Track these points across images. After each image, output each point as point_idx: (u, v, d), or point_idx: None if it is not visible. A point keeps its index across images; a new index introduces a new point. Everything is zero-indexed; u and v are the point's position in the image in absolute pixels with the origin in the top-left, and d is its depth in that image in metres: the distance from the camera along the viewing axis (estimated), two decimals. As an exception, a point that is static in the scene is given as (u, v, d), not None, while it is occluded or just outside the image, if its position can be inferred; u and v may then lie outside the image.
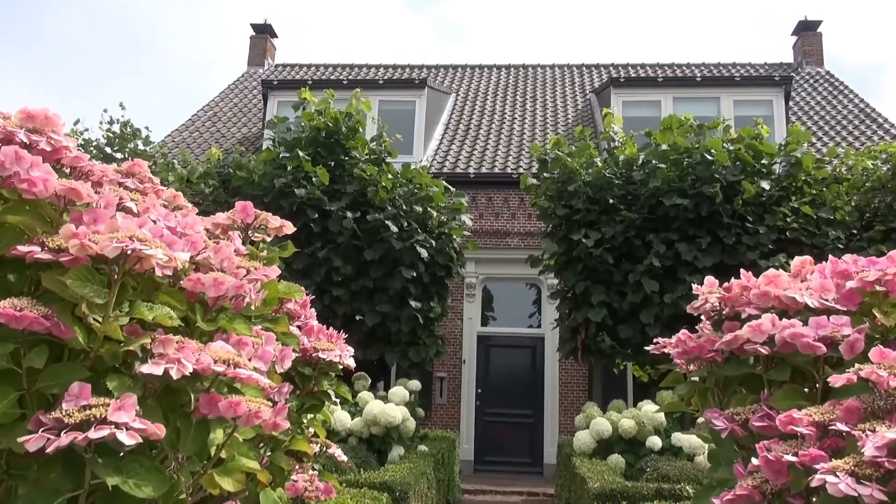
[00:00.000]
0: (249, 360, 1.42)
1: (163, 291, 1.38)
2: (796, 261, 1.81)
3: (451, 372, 13.55)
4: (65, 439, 1.07)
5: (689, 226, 8.77)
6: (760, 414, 1.49)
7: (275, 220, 1.98)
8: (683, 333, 1.84)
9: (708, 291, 1.85)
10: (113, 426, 1.09)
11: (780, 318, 1.55)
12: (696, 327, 1.95)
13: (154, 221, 1.43)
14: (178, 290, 1.41)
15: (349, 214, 9.12)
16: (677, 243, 8.67)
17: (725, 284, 1.83)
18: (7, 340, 1.18)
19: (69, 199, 1.32)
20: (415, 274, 9.27)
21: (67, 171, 1.48)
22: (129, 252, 1.23)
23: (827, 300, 1.57)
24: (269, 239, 2.02)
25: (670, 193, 8.73)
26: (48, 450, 1.07)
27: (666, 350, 1.91)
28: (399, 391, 8.50)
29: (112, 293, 1.23)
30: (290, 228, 2.01)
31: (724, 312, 1.83)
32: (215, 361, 1.27)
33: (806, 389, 1.53)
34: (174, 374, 1.21)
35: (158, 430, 1.15)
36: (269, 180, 9.36)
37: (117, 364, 1.26)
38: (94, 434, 1.07)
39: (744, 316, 1.72)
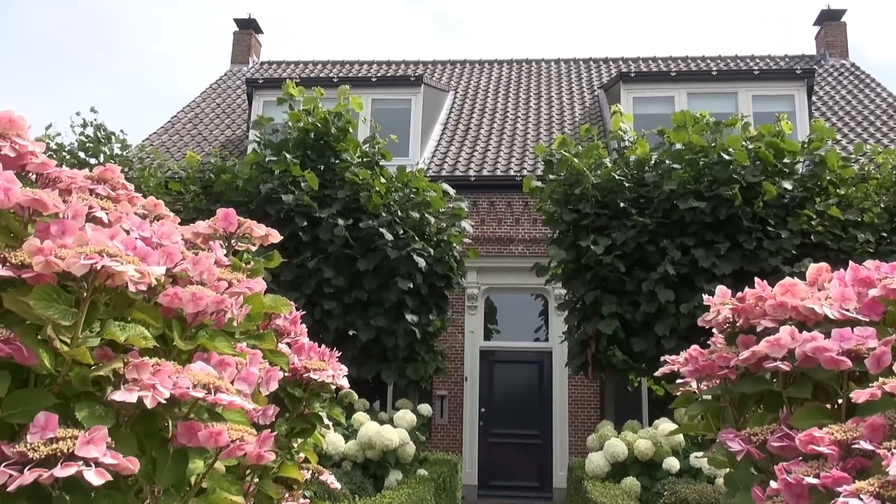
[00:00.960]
0: (232, 382, 1.41)
1: (137, 307, 1.37)
2: (812, 268, 1.81)
3: (452, 390, 13.53)
4: (28, 476, 1.06)
5: (707, 230, 8.78)
6: (779, 434, 1.48)
7: (260, 229, 1.97)
8: (694, 350, 1.83)
9: (720, 303, 1.84)
10: (81, 462, 1.08)
11: (799, 331, 1.55)
12: (710, 341, 1.95)
13: (127, 232, 1.42)
14: (154, 305, 1.40)
15: (340, 222, 9.13)
16: (694, 249, 8.67)
17: (738, 294, 1.82)
18: (-35, 367, 1.16)
19: (34, 210, 1.31)
20: (412, 285, 9.28)
21: (33, 178, 1.47)
22: (98, 269, 1.22)
23: (848, 310, 1.57)
24: (253, 249, 2.01)
25: (686, 196, 8.75)
26: (9, 488, 1.07)
27: (676, 368, 1.90)
28: (406, 415, 8.48)
29: (80, 313, 1.22)
30: (276, 237, 2.01)
31: (737, 325, 1.82)
32: (194, 386, 1.26)
33: (829, 406, 1.53)
34: (148, 403, 1.19)
35: (131, 465, 1.14)
36: (255, 185, 9.38)
37: (87, 389, 1.25)
38: (60, 472, 1.06)
39: (759, 329, 1.72)
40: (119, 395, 1.19)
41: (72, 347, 1.21)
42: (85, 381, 1.24)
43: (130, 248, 1.33)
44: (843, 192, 9.00)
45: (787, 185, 8.66)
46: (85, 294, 1.24)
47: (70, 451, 1.10)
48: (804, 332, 1.53)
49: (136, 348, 1.32)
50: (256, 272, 1.89)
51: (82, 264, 1.21)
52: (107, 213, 1.47)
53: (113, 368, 1.23)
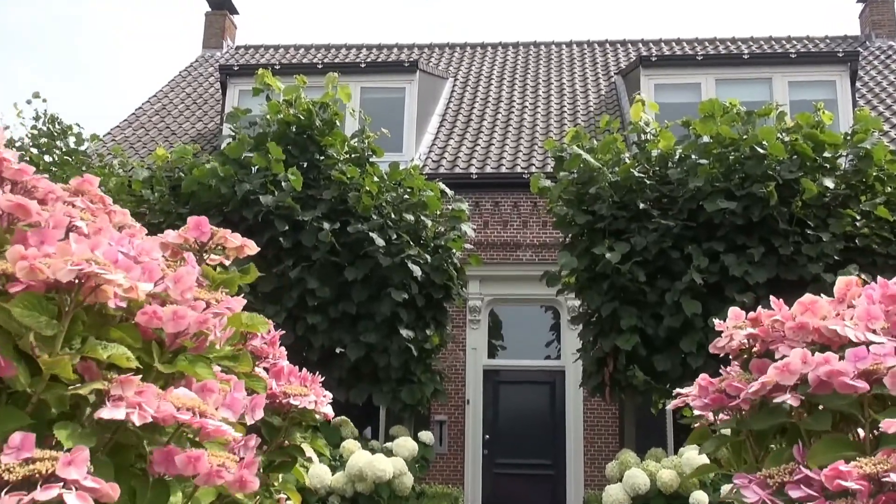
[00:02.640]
0: (216, 409, 1.43)
1: (114, 326, 1.39)
2: (840, 281, 1.77)
3: (453, 415, 13.52)
4: (7, 501, 1.09)
5: (738, 234, 8.78)
6: (798, 477, 1.45)
7: (234, 239, 1.98)
8: (704, 379, 1.83)
9: (734, 326, 1.83)
10: (62, 484, 1.11)
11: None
12: (725, 370, 1.93)
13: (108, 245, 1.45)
14: (132, 325, 1.42)
15: (326, 226, 9.14)
16: (723, 255, 8.67)
17: (752, 315, 1.81)
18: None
19: (14, 218, 1.34)
20: (406, 296, 9.28)
21: (7, 187, 1.51)
22: (84, 277, 1.25)
23: (875, 330, 1.55)
24: (227, 262, 2.02)
25: (714, 195, 8.75)
26: None
27: (688, 402, 1.89)
28: (407, 443, 8.45)
29: (63, 325, 1.25)
30: (252, 248, 2.01)
31: (753, 350, 1.81)
32: (179, 409, 1.29)
33: (852, 437, 1.51)
34: (136, 420, 1.22)
35: (112, 491, 1.16)
36: (230, 185, 9.38)
37: (64, 410, 1.27)
38: (41, 495, 1.09)
39: (777, 355, 1.70)
40: (107, 412, 1.21)
41: (52, 360, 1.24)
42: (62, 402, 1.27)
43: (112, 261, 1.36)
44: (891, 190, 9.00)
45: (829, 182, 8.66)
46: (68, 307, 1.27)
47: (49, 472, 1.12)
48: (817, 355, 1.51)
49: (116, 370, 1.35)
50: (231, 287, 1.88)
51: (69, 270, 1.24)
52: (85, 225, 1.51)
53: (94, 388, 1.26)
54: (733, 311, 1.87)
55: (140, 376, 1.37)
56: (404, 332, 9.32)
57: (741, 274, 8.54)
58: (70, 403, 1.28)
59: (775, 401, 1.56)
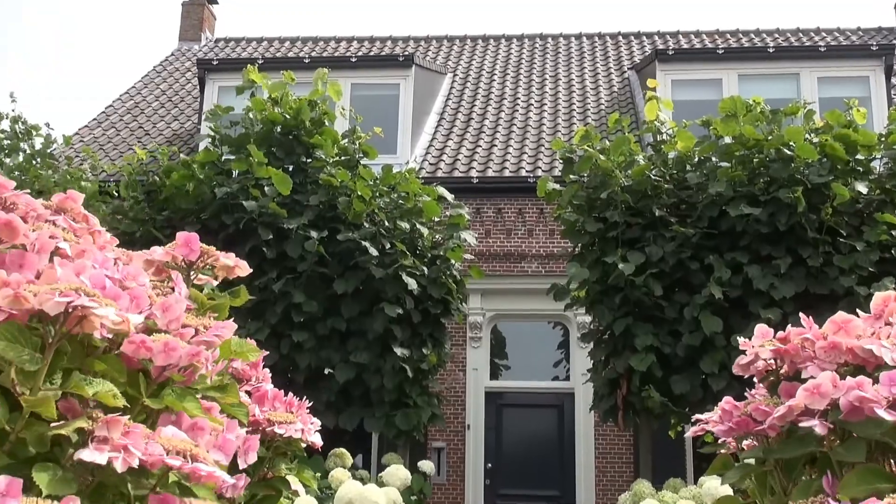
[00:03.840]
0: (208, 451, 1.43)
1: (97, 358, 1.39)
2: (878, 297, 1.76)
3: (452, 441, 13.50)
4: None
5: (763, 243, 8.78)
6: None
7: (227, 259, 1.97)
8: (728, 403, 1.82)
9: (759, 345, 1.83)
10: None
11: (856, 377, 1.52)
12: (749, 392, 1.93)
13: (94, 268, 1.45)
14: (116, 356, 1.42)
15: (313, 234, 9.13)
16: (747, 267, 8.67)
17: (780, 334, 1.80)
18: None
19: None
20: (401, 311, 9.26)
21: None
22: (71, 309, 1.25)
23: None
24: (216, 282, 2.02)
25: (737, 201, 8.75)
26: None
27: (709, 428, 1.89)
28: (398, 472, 8.38)
29: (45, 360, 1.25)
30: (245, 270, 2.00)
31: (781, 372, 1.81)
32: (168, 452, 1.28)
33: (887, 467, 1.51)
34: (119, 467, 1.21)
35: None
36: (209, 190, 9.38)
37: (44, 450, 1.27)
38: None
39: (804, 376, 1.70)
40: (88, 455, 1.20)
41: (34, 396, 1.23)
42: (42, 441, 1.26)
43: (99, 288, 1.36)
44: (930, 195, 9.01)
45: (862, 186, 8.67)
46: (51, 339, 1.27)
47: None
48: (848, 379, 1.51)
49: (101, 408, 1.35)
50: (220, 309, 1.88)
51: (57, 302, 1.23)
52: (69, 247, 1.51)
53: (77, 427, 1.25)
54: (760, 327, 1.87)
55: (126, 413, 1.37)
56: (399, 351, 9.30)
57: (766, 288, 8.53)
58: (51, 444, 1.28)
59: (802, 425, 1.55)
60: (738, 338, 2.00)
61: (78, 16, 61.25)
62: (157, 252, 1.89)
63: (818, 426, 1.52)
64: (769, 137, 8.96)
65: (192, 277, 1.93)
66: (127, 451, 1.22)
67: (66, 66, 59.16)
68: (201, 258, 1.92)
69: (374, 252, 9.16)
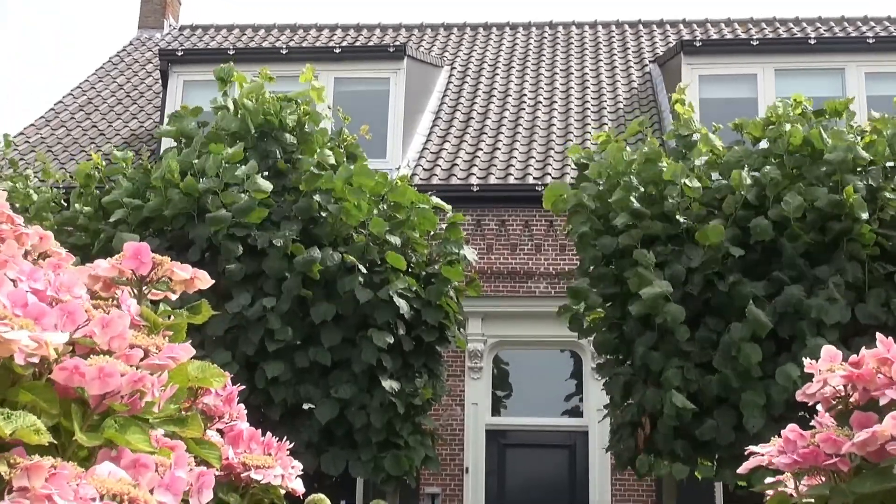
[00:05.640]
0: (151, 492, 1.40)
1: (23, 386, 1.36)
2: None
3: (449, 486, 13.47)
4: None
5: (808, 261, 8.77)
6: None
7: (183, 271, 1.95)
8: (793, 431, 1.82)
9: (827, 369, 1.83)
10: None
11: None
12: (814, 421, 1.94)
13: (14, 283, 1.42)
14: (46, 383, 1.39)
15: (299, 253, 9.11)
16: (788, 288, 8.66)
17: (853, 358, 1.81)
18: None
19: None
20: (391, 340, 9.24)
21: None
22: None
23: None
24: (173, 297, 2.00)
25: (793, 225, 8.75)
26: None
27: (766, 462, 1.88)
28: None
29: None
30: (205, 282, 1.99)
31: (852, 400, 1.81)
32: (101, 497, 1.25)
33: None
34: None
35: None
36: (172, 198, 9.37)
37: None
38: None
39: (882, 403, 1.71)
40: None
41: None
42: None
43: (20, 306, 1.33)
44: None
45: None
46: None
47: None
48: None
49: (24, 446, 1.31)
50: (177, 329, 1.86)
51: None
52: None
53: None
54: (827, 349, 1.88)
55: (55, 448, 1.35)
56: (387, 384, 9.27)
57: (814, 313, 8.44)
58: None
59: (889, 449, 1.56)
60: (804, 359, 2.00)
61: (78, 16, 61.41)
62: (102, 265, 1.87)
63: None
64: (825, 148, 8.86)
65: (146, 293, 1.91)
66: (51, 502, 1.20)
67: (66, 67, 59.29)
68: (154, 271, 1.90)
69: (362, 270, 9.13)
